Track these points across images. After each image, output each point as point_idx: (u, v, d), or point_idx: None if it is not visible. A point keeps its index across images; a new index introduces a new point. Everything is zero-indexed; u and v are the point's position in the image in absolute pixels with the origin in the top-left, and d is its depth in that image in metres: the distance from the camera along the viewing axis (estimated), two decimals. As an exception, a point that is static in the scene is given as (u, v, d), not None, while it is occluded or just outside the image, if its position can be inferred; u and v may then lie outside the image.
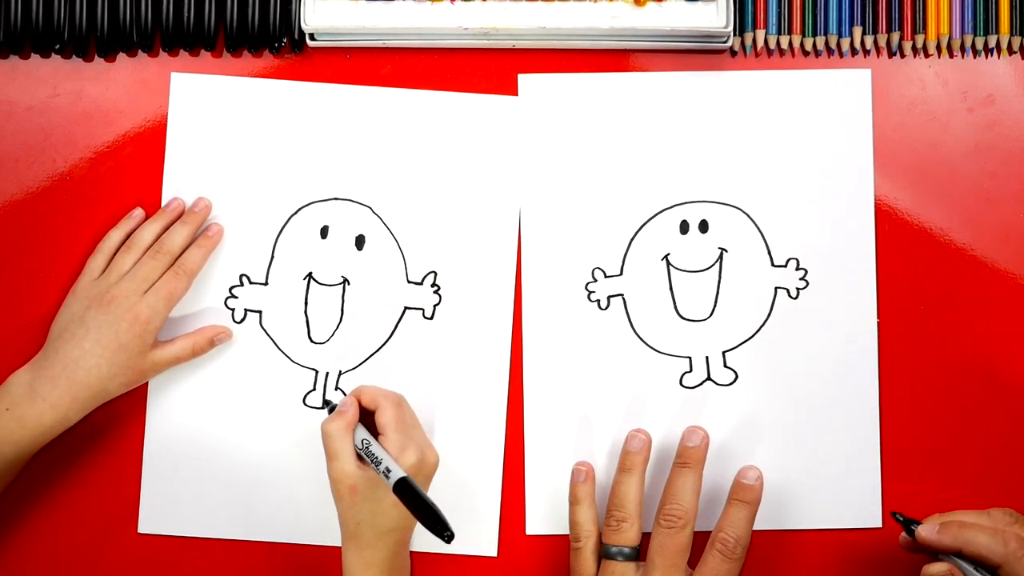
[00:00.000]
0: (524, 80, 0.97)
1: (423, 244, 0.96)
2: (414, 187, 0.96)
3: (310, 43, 0.96)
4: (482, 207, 0.96)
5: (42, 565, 0.96)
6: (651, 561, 0.88)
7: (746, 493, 0.89)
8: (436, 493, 0.87)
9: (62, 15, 0.96)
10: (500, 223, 0.96)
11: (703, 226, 0.96)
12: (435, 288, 0.96)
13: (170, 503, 0.95)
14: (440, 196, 0.96)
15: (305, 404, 0.96)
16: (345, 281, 0.96)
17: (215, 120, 0.97)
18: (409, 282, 0.96)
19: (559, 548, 0.95)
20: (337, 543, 0.90)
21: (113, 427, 0.96)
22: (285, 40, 0.96)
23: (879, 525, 0.94)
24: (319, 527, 0.95)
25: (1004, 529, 0.81)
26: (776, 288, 0.96)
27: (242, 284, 0.96)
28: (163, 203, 0.96)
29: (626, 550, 0.89)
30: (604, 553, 0.90)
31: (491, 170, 0.96)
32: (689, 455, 0.91)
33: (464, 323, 0.96)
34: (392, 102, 0.97)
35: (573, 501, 0.93)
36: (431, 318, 0.96)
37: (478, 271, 0.96)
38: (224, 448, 0.95)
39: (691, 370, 0.96)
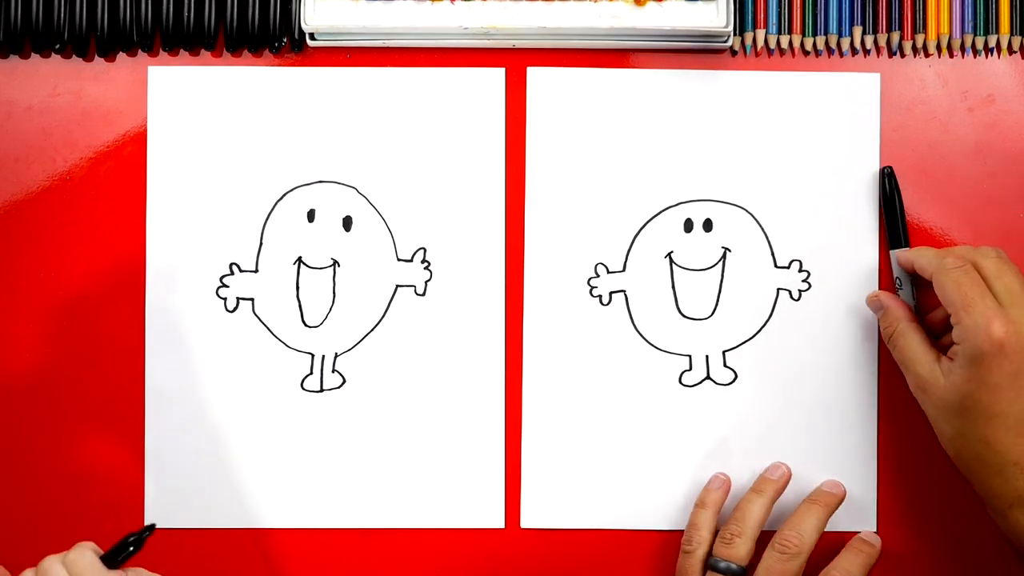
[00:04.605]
0: (533, 73, 0.96)
1: (410, 221, 0.96)
2: (398, 165, 0.96)
3: (310, 43, 0.96)
4: (467, 178, 0.96)
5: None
6: None
7: (820, 496, 0.92)
8: (439, 467, 0.94)
9: (62, 15, 0.96)
10: (486, 193, 0.96)
11: (707, 225, 0.96)
12: (425, 264, 0.96)
13: (176, 497, 0.95)
14: (424, 171, 0.96)
15: (303, 388, 0.96)
16: (335, 263, 0.96)
17: (193, 111, 0.97)
18: (399, 260, 0.96)
19: (556, 542, 0.95)
20: (343, 526, 0.93)
21: (113, 426, 0.96)
22: (285, 40, 0.96)
23: (874, 528, 0.94)
24: (324, 511, 0.95)
25: (951, 249, 0.89)
26: (778, 289, 0.96)
27: (232, 273, 0.96)
28: (148, 201, 0.96)
29: (734, 567, 0.89)
30: (712, 565, 0.90)
31: (473, 141, 0.96)
32: (817, 495, 0.92)
33: (457, 298, 0.96)
34: (370, 81, 0.96)
35: (699, 504, 0.93)
36: (423, 295, 0.96)
37: (467, 244, 0.96)
38: (225, 438, 0.95)
39: (691, 368, 0.96)
